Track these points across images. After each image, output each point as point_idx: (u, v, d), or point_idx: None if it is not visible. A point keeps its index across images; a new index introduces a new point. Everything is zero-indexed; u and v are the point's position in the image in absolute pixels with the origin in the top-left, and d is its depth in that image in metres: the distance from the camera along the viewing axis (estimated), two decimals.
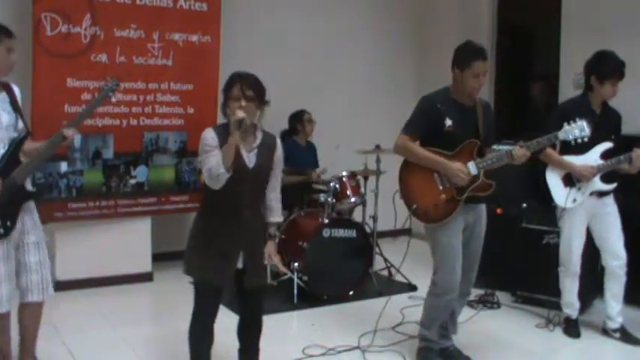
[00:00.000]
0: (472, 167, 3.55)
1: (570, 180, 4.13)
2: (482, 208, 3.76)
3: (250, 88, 3.04)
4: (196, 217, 3.23)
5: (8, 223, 3.12)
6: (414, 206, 3.63)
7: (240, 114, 2.95)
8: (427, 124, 3.58)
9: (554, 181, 4.18)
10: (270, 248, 3.28)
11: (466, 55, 3.54)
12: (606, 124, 4.12)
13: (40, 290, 3.31)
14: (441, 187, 3.59)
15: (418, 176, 3.64)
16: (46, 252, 3.35)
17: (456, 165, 3.51)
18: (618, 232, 4.16)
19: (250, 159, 3.11)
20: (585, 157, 4.08)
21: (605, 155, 4.07)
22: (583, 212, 4.14)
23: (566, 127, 3.58)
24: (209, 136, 3.06)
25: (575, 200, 4.10)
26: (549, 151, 4.11)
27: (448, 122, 3.55)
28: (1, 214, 3.10)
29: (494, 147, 3.72)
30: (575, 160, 4.09)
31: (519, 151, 3.51)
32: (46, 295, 3.35)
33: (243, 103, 3.00)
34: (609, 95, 4.08)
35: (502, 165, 3.57)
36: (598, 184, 4.08)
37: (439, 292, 3.64)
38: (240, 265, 3.17)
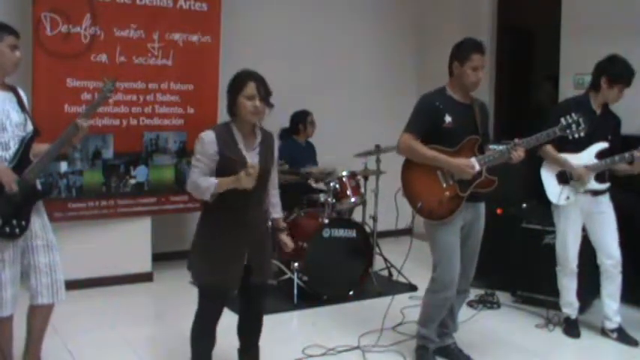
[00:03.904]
0: (474, 163, 3.56)
1: (564, 177, 4.14)
2: (482, 207, 3.78)
3: (265, 88, 3.06)
4: (200, 221, 3.21)
5: (23, 223, 3.12)
6: (420, 204, 3.63)
7: (249, 183, 2.94)
8: (428, 122, 3.59)
9: (548, 177, 4.20)
10: (285, 238, 3.34)
11: (466, 48, 3.58)
12: (604, 125, 4.12)
13: (50, 293, 3.29)
14: (444, 185, 3.61)
15: (421, 174, 3.65)
16: (57, 255, 3.32)
17: (461, 160, 3.53)
18: (613, 231, 4.16)
19: (253, 159, 3.11)
20: (581, 156, 4.08)
21: (599, 155, 4.07)
22: (578, 211, 4.15)
23: (562, 122, 3.58)
24: (208, 140, 3.04)
25: (568, 198, 4.12)
26: (548, 148, 4.11)
27: (448, 119, 3.57)
28: (17, 214, 3.10)
29: (492, 146, 3.73)
30: (571, 159, 4.10)
31: (516, 153, 3.52)
32: (57, 299, 3.32)
33: (258, 103, 3.02)
34: (614, 99, 4.09)
35: (502, 162, 3.58)
36: (592, 183, 4.09)
37: (438, 289, 3.66)
38: (245, 262, 3.17)
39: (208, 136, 3.05)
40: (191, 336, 3.23)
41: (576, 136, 3.60)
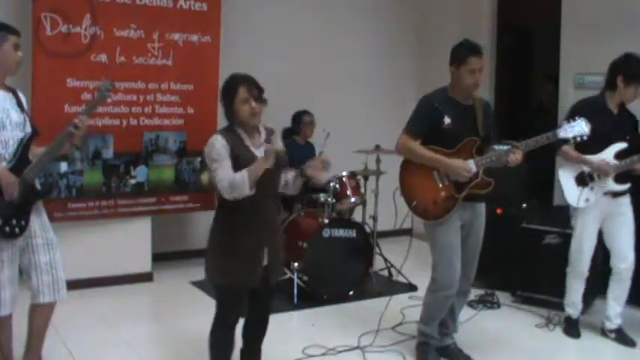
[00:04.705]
0: (471, 165, 3.56)
1: (583, 180, 4.10)
2: (481, 206, 3.78)
3: (257, 88, 3.05)
4: (216, 221, 3.16)
5: (23, 223, 3.13)
6: (414, 203, 3.66)
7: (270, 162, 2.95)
8: (427, 123, 3.61)
9: (566, 180, 4.15)
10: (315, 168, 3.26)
11: (461, 51, 3.59)
12: (623, 124, 4.08)
13: (51, 291, 3.30)
14: (440, 185, 3.62)
15: (418, 174, 3.66)
16: (57, 253, 3.32)
17: (458, 162, 3.54)
18: (629, 234, 4.12)
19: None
20: (599, 157, 4.03)
21: (619, 155, 4.02)
22: (597, 212, 4.11)
23: (565, 125, 3.57)
24: (219, 144, 3.01)
25: (587, 200, 4.08)
26: (566, 148, 4.05)
27: (447, 120, 3.58)
28: (17, 214, 3.11)
29: (494, 147, 3.73)
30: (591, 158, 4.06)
31: (514, 156, 3.51)
32: (59, 297, 3.33)
33: (253, 104, 3.01)
34: (630, 98, 4.05)
35: (500, 164, 3.58)
36: (611, 184, 4.05)
37: (438, 288, 3.67)
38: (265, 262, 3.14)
39: (219, 140, 3.02)
40: (210, 340, 3.19)
41: (578, 139, 3.56)
